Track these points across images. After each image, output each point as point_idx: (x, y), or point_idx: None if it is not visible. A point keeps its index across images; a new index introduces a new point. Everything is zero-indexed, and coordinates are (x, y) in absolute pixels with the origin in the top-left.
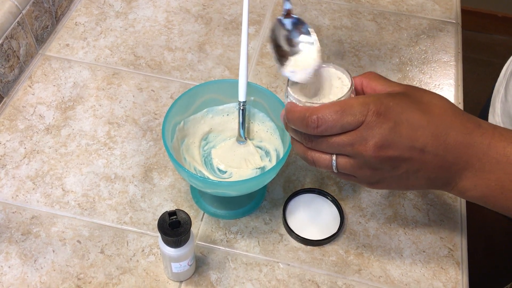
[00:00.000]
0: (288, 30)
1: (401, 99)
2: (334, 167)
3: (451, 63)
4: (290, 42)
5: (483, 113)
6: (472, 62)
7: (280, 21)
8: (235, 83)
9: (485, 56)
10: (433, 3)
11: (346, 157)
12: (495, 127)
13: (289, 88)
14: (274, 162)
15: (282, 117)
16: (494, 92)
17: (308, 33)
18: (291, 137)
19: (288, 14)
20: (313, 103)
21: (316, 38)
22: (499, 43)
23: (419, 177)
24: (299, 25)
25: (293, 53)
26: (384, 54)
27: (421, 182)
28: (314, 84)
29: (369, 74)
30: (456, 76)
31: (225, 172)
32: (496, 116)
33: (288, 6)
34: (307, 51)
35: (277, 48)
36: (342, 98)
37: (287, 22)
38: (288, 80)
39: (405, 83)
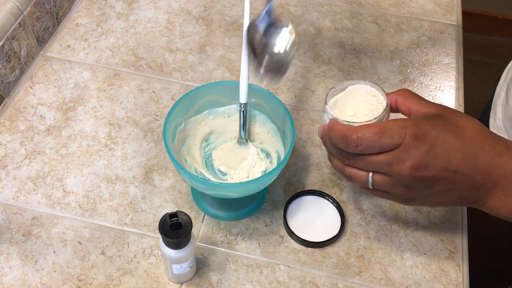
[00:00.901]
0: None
1: (437, 122)
2: (370, 184)
3: (452, 65)
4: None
5: (484, 116)
6: (472, 63)
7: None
8: (236, 85)
9: (485, 58)
10: (434, 6)
11: (382, 175)
12: None
13: (327, 106)
14: (275, 164)
15: (320, 132)
16: (495, 96)
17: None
18: (329, 152)
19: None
20: (350, 122)
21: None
22: (499, 45)
23: (451, 195)
24: (273, 25)
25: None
26: (385, 56)
27: (453, 199)
28: (350, 101)
29: (404, 92)
30: (457, 78)
31: (226, 173)
32: (497, 119)
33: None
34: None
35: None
36: (379, 117)
37: (262, 23)
38: (326, 96)
39: (405, 85)
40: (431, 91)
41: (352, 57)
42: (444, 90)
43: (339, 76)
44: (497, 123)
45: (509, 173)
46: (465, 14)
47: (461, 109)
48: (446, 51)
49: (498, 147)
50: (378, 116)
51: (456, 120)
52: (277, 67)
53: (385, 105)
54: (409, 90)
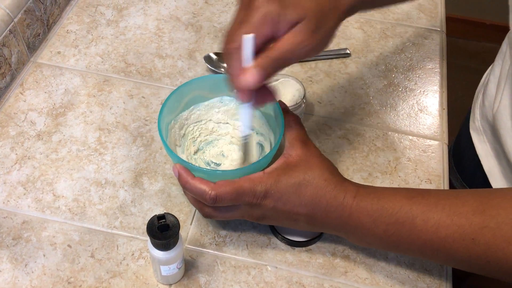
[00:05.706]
0: None
1: (282, 182)
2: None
3: (436, 70)
4: None
5: (466, 121)
6: (460, 69)
7: None
8: (217, 78)
9: (474, 63)
10: (419, 12)
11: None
12: (353, 202)
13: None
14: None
15: (177, 173)
16: (474, 99)
17: None
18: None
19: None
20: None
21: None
22: (487, 51)
23: (299, 227)
24: None
25: None
26: (371, 61)
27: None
28: (280, 90)
29: (294, 124)
30: (440, 83)
31: (220, 164)
32: (476, 121)
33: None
34: None
35: None
36: (298, 103)
37: None
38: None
39: (390, 89)
40: (415, 95)
41: (338, 62)
42: (428, 94)
43: (326, 81)
44: (476, 124)
45: (337, 224)
46: (454, 20)
47: (445, 113)
48: (430, 56)
49: (334, 203)
50: (298, 103)
51: (304, 176)
52: None
53: (302, 96)
54: (299, 127)
